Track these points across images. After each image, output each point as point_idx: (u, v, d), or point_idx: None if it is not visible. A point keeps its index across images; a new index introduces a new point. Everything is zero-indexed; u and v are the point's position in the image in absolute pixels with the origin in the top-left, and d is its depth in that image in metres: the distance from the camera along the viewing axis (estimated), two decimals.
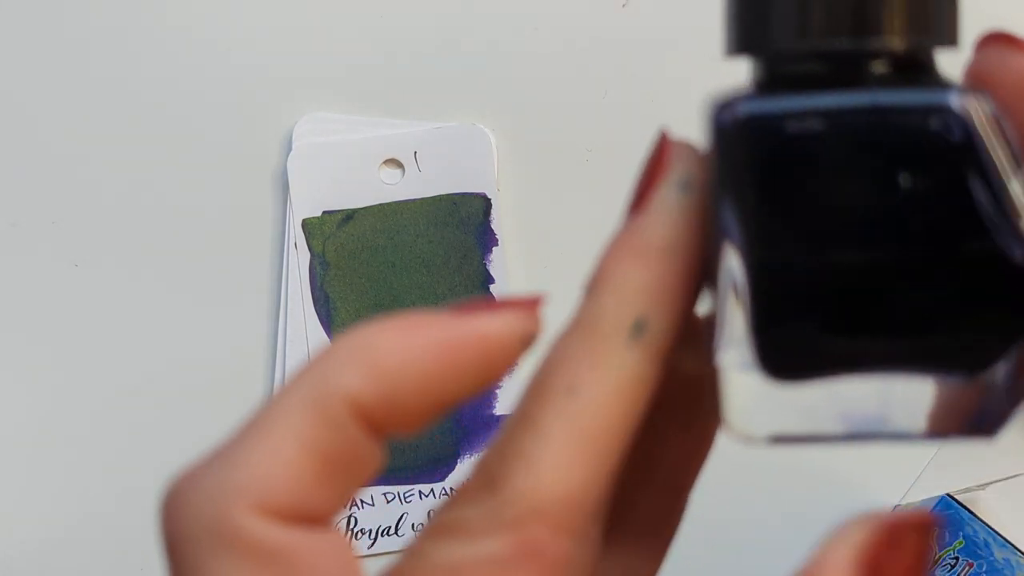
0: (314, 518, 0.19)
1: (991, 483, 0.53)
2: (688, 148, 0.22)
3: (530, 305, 0.21)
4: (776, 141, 0.20)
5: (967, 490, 0.53)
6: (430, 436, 0.55)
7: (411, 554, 0.20)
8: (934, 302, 0.20)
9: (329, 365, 0.20)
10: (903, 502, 0.55)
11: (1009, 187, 0.20)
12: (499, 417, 0.54)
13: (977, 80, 0.22)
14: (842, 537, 0.20)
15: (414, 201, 0.56)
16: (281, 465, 0.19)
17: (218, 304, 0.56)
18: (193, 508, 0.19)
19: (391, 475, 0.56)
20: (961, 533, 0.51)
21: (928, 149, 0.20)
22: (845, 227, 0.20)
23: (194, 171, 0.56)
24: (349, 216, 0.56)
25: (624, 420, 0.20)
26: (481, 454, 0.22)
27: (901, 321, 0.21)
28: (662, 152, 0.22)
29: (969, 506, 0.52)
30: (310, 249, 0.56)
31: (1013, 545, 0.51)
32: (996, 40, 0.22)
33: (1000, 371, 0.21)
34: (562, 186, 0.56)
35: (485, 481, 0.20)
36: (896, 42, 0.21)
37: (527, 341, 0.21)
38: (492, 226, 0.56)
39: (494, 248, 0.56)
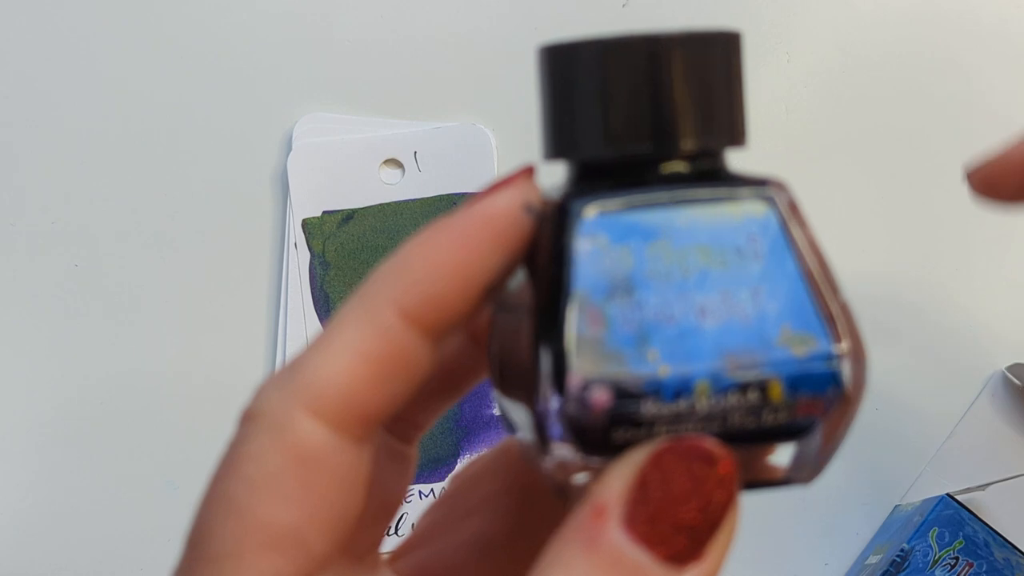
0: (367, 419, 0.22)
1: (991, 483, 0.53)
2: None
3: (524, 174, 0.24)
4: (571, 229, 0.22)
5: (967, 490, 0.53)
6: (430, 436, 0.55)
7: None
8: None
9: (375, 284, 0.23)
10: (903, 502, 0.55)
11: (815, 273, 0.21)
12: (499, 417, 0.54)
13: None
14: (624, 459, 0.21)
15: (414, 201, 0.56)
16: (336, 372, 0.22)
17: (218, 304, 0.56)
18: (261, 399, 0.22)
19: None
20: (961, 533, 0.51)
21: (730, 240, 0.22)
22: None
23: (194, 171, 0.56)
24: (349, 216, 0.56)
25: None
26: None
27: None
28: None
29: (969, 506, 0.52)
30: (310, 249, 0.56)
31: (1013, 545, 0.51)
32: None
33: (806, 443, 0.22)
34: None
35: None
36: (686, 145, 0.23)
37: (530, 207, 0.23)
38: None
39: None
